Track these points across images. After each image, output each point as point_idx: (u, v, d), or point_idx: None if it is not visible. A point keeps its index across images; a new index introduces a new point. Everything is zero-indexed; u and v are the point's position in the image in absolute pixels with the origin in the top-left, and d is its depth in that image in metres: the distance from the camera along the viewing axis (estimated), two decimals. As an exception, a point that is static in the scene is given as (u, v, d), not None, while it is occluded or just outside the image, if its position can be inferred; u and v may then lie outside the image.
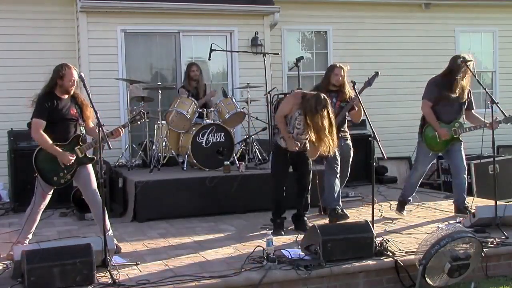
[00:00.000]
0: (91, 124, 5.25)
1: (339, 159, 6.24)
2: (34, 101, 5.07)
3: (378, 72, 6.42)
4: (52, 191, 5.18)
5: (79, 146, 5.10)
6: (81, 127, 5.21)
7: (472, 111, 6.47)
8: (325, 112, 5.37)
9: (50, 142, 4.98)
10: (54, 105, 5.02)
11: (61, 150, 5.00)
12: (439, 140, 6.31)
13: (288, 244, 5.27)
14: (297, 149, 5.71)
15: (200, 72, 8.39)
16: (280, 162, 5.90)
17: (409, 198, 6.60)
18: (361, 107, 5.82)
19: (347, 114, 6.39)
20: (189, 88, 8.29)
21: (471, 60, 6.10)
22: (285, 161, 5.85)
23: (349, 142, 6.48)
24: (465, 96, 6.33)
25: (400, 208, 6.58)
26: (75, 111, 5.15)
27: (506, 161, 8.38)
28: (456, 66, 6.16)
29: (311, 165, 5.96)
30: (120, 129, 5.14)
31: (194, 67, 8.37)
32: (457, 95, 6.25)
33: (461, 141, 6.39)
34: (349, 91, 6.29)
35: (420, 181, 6.64)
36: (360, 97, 5.89)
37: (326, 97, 5.51)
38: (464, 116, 6.47)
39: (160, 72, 9.37)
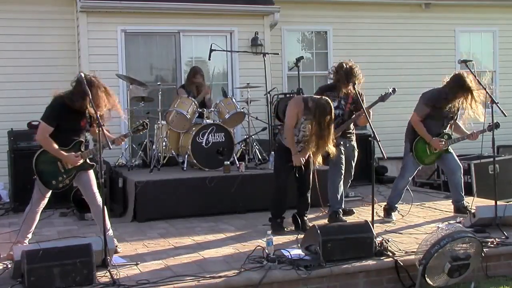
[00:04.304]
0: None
1: (344, 159, 6.21)
2: (54, 96, 4.99)
3: (395, 89, 6.02)
4: (50, 192, 5.17)
5: (80, 152, 5.08)
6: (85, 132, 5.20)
7: (457, 120, 6.45)
8: (330, 117, 5.45)
9: (56, 147, 4.94)
10: (66, 117, 4.97)
11: (66, 154, 4.98)
12: (429, 153, 6.29)
13: (288, 244, 5.26)
14: (303, 160, 5.74)
15: (203, 78, 8.41)
16: (283, 162, 5.88)
17: (396, 206, 6.47)
18: (368, 119, 5.64)
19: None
20: (189, 88, 8.29)
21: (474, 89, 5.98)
22: (288, 161, 5.84)
23: (354, 143, 6.42)
24: (455, 111, 6.30)
25: (387, 215, 6.40)
26: (85, 122, 5.11)
27: (506, 161, 8.38)
28: (458, 88, 6.04)
29: (312, 166, 5.96)
30: (121, 139, 5.19)
31: (199, 75, 8.32)
32: (449, 111, 6.23)
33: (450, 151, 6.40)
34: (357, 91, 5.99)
35: (406, 187, 6.50)
36: (364, 98, 5.87)
37: (329, 101, 5.53)
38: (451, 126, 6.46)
39: (160, 72, 9.37)
